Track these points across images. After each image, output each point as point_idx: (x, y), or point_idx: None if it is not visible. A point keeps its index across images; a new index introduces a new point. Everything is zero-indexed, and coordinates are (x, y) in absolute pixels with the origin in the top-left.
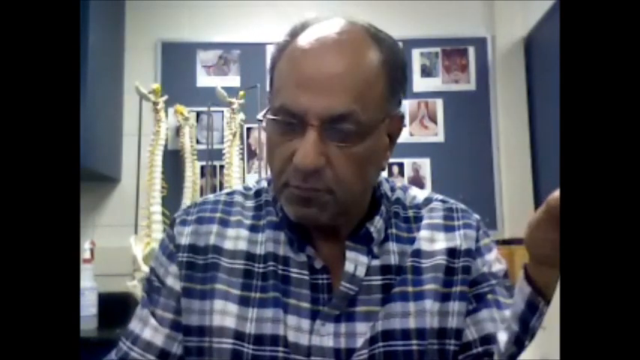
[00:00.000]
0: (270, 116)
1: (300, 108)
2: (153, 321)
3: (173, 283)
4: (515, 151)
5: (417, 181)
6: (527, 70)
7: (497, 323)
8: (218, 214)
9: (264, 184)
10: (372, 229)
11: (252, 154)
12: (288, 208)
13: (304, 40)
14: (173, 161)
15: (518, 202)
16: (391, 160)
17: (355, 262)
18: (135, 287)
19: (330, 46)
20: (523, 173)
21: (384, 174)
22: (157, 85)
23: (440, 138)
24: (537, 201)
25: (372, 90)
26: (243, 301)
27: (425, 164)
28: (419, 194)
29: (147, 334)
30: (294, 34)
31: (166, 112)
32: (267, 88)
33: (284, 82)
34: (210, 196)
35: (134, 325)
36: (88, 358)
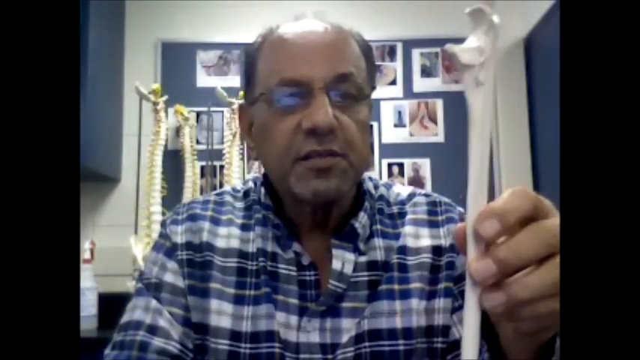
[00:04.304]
0: (268, 90)
1: (304, 75)
2: (166, 314)
3: (174, 279)
4: (515, 151)
5: (417, 181)
6: (527, 70)
7: None
8: (209, 213)
9: (251, 184)
10: (357, 225)
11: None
12: (303, 185)
13: (285, 30)
14: (173, 161)
15: None
16: (391, 160)
17: (342, 259)
18: (135, 287)
19: (316, 26)
20: (523, 173)
21: (375, 174)
22: (156, 85)
23: (440, 138)
24: None
25: (360, 63)
26: (238, 300)
27: (425, 164)
28: (402, 191)
29: (163, 324)
30: (268, 33)
31: (166, 112)
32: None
33: (276, 63)
34: (199, 197)
35: (141, 316)
36: (88, 358)
